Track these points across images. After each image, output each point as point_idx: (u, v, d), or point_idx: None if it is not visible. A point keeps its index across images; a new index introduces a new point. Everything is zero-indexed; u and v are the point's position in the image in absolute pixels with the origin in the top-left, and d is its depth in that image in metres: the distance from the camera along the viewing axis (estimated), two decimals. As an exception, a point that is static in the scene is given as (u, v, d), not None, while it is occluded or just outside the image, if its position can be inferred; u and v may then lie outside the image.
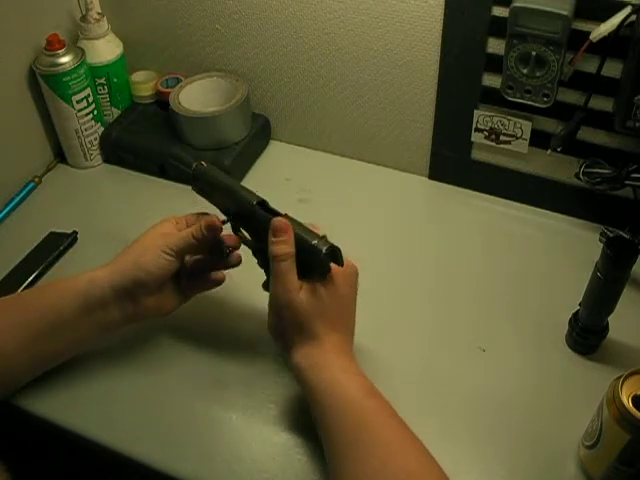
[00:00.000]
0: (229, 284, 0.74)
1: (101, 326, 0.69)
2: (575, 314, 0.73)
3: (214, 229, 0.68)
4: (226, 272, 0.74)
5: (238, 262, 0.73)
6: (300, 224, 0.66)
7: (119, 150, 1.01)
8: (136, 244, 0.69)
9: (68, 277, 0.69)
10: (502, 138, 0.87)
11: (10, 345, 0.66)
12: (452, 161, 0.93)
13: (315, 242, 0.64)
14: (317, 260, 0.64)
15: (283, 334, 0.64)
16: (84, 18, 0.96)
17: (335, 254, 0.64)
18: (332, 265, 0.65)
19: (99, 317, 0.68)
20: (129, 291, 0.67)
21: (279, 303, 0.64)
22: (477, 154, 0.91)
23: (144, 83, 1.03)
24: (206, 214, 0.70)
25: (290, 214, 0.67)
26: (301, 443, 0.66)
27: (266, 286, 0.70)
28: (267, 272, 0.70)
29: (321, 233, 0.66)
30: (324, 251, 0.63)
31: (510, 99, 0.82)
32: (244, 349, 0.72)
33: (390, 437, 0.57)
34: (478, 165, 0.92)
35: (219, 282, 0.74)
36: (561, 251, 0.85)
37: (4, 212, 0.94)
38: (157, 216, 0.72)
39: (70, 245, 0.89)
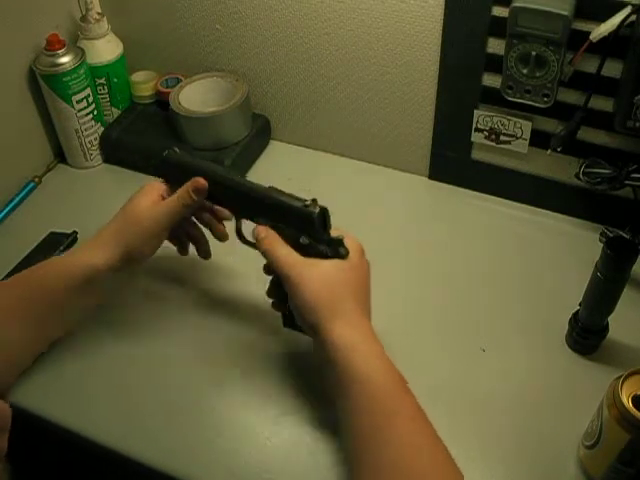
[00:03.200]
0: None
1: (100, 300, 0.74)
2: (575, 314, 0.73)
3: (202, 190, 0.70)
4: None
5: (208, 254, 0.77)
6: (285, 193, 0.67)
7: (119, 150, 1.01)
8: (127, 222, 0.71)
9: (62, 260, 0.71)
10: (502, 138, 0.87)
11: (13, 328, 0.67)
12: (452, 161, 0.93)
13: (307, 203, 0.66)
14: (309, 221, 0.65)
15: (330, 300, 0.62)
16: (84, 18, 0.96)
17: (325, 214, 0.66)
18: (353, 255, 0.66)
19: (100, 295, 0.73)
20: (127, 270, 0.72)
21: (340, 266, 0.64)
22: (477, 154, 0.91)
23: (144, 83, 1.03)
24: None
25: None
26: (302, 442, 0.66)
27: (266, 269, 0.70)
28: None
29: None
30: (316, 212, 0.65)
31: (510, 99, 0.82)
32: (244, 346, 0.72)
33: (418, 431, 0.57)
34: (478, 165, 0.92)
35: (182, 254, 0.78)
36: (561, 251, 0.85)
37: (4, 212, 0.94)
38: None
39: (70, 245, 0.88)
